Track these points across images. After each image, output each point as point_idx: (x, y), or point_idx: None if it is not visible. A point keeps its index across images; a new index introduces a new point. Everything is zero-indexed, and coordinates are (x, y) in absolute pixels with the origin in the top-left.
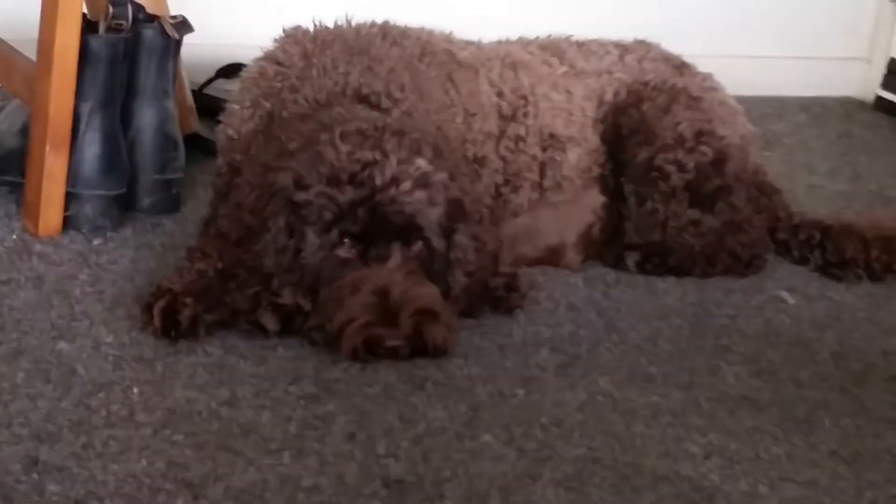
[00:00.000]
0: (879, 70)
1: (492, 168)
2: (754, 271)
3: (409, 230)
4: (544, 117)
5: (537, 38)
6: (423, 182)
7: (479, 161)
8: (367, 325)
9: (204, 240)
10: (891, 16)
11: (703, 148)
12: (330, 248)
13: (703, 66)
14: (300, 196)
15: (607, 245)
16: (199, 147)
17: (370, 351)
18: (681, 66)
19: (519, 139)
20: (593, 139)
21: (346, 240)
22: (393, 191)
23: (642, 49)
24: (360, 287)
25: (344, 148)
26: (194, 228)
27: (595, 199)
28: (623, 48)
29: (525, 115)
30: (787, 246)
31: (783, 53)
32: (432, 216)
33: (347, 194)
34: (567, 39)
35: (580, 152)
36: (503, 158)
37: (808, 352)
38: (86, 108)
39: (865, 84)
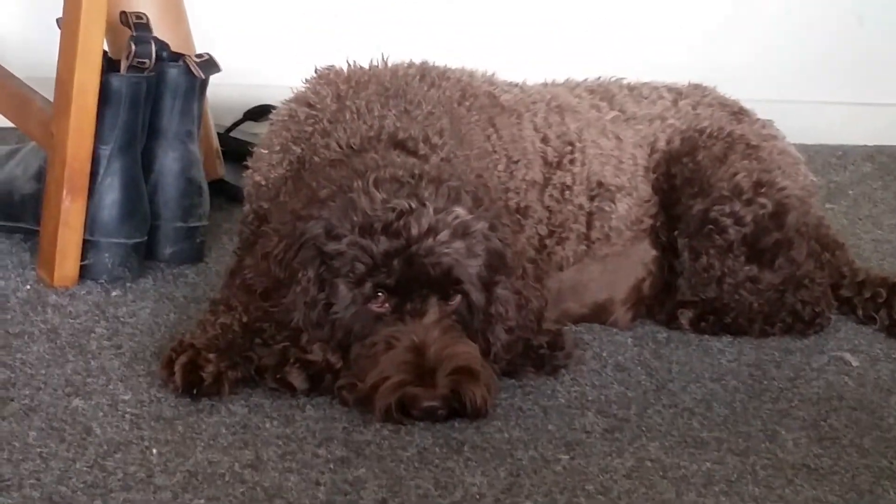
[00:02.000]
0: None
1: (535, 218)
2: (816, 331)
3: (446, 283)
4: (592, 165)
5: (585, 80)
6: (461, 232)
7: (522, 211)
8: (401, 384)
9: (229, 292)
10: None
11: (762, 200)
12: (363, 301)
13: (762, 112)
14: (331, 246)
15: (659, 301)
16: (224, 193)
17: (404, 412)
18: (738, 113)
19: (565, 188)
20: (644, 189)
21: (379, 293)
22: (430, 241)
23: (697, 94)
24: (394, 344)
25: (378, 196)
26: (218, 280)
27: (646, 252)
28: (677, 92)
29: (572, 162)
30: (851, 304)
31: (847, 99)
32: (472, 268)
33: (382, 245)
34: (617, 82)
35: (630, 203)
36: (548, 208)
37: (872, 417)
38: (105, 151)
39: None
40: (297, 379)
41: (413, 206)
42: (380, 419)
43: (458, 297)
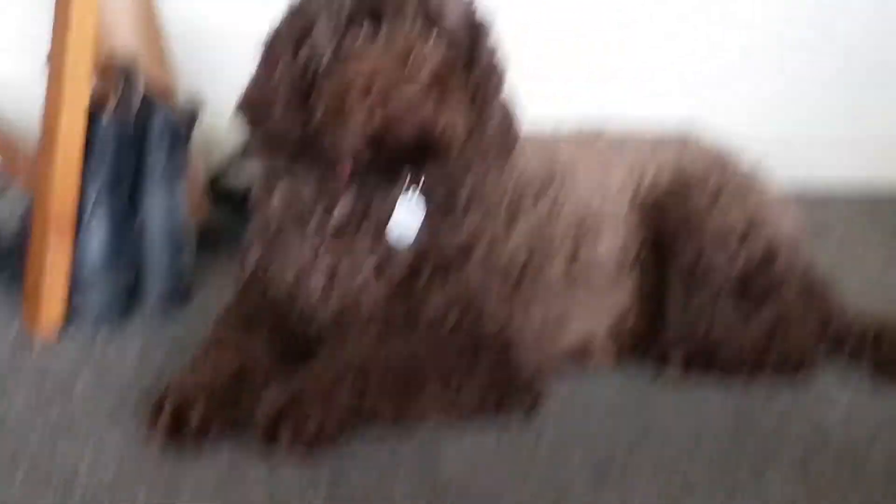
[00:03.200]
0: None
1: (526, 223)
2: (805, 372)
3: (425, 13)
4: (580, 193)
5: (575, 123)
6: None
7: (515, 206)
8: (376, 73)
9: (219, 333)
10: None
11: (752, 244)
12: (342, 31)
13: (749, 151)
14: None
15: (648, 340)
16: (211, 236)
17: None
18: (724, 157)
19: (554, 207)
20: (630, 222)
21: (358, 23)
22: None
23: (683, 139)
24: (370, 53)
25: None
26: (206, 322)
27: (629, 286)
28: (662, 137)
29: (562, 186)
30: (839, 344)
31: (835, 137)
32: (453, 14)
33: None
34: (605, 123)
35: (616, 234)
36: (536, 223)
37: (858, 458)
38: (92, 193)
39: None
40: (288, 443)
41: None
42: (356, 112)
43: (441, 46)
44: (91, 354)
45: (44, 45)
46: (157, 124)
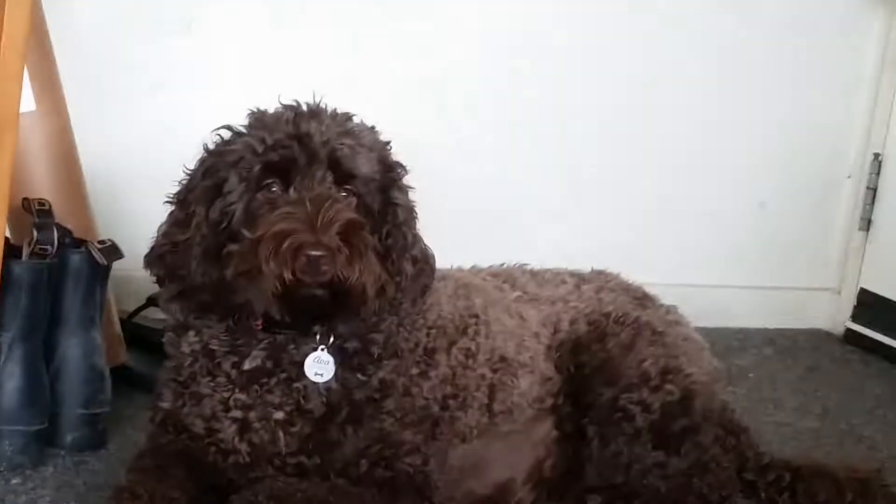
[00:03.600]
0: (849, 301)
1: (440, 372)
2: None
3: (338, 172)
4: (496, 339)
5: (490, 266)
6: (355, 133)
7: (430, 353)
8: (287, 232)
9: (134, 478)
10: (860, 245)
11: (669, 386)
12: (254, 188)
13: (665, 297)
14: (226, 148)
15: (566, 486)
16: (127, 379)
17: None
18: (642, 298)
19: (469, 354)
20: (547, 367)
21: (270, 180)
22: (322, 130)
23: (601, 279)
24: (282, 207)
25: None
26: (121, 467)
27: (547, 432)
28: (579, 278)
29: (476, 333)
30: (755, 487)
31: (748, 283)
32: (364, 166)
33: (274, 134)
34: (520, 267)
35: (532, 380)
36: (451, 369)
37: None
38: (6, 338)
39: (834, 316)
40: None
41: (312, 111)
42: (266, 272)
43: (352, 199)
44: (3, 501)
45: None
46: (74, 267)
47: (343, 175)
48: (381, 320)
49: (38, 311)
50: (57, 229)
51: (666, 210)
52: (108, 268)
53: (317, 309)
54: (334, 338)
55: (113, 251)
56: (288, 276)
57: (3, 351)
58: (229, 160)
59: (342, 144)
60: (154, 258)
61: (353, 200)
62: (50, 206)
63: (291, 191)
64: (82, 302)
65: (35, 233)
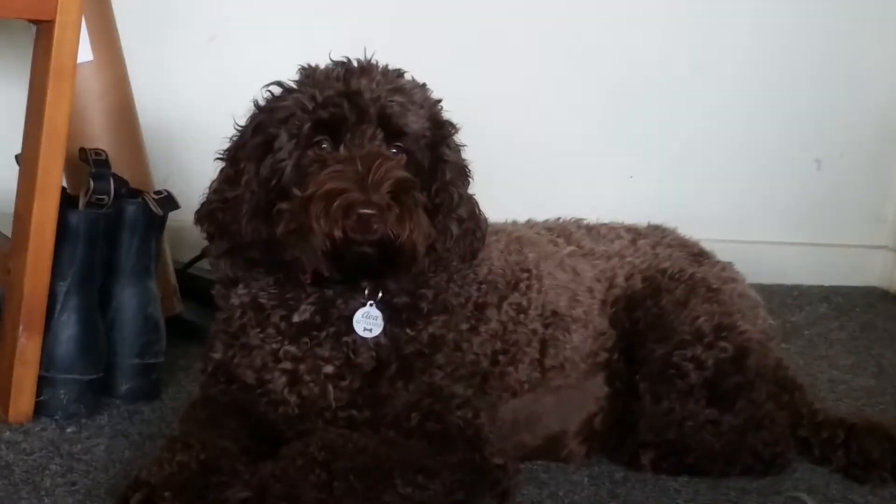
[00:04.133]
0: None
1: (491, 327)
2: (775, 471)
3: (388, 128)
4: (548, 294)
5: (545, 220)
6: (406, 90)
7: (480, 307)
8: (337, 191)
9: (186, 428)
10: None
11: (723, 343)
12: (304, 145)
13: (721, 254)
14: (277, 104)
15: (619, 440)
16: (181, 330)
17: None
18: (698, 254)
19: (520, 309)
20: (600, 322)
21: (320, 137)
22: (372, 87)
23: (657, 234)
24: (332, 164)
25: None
26: (174, 417)
27: (600, 387)
28: (636, 232)
29: (528, 287)
30: (809, 445)
31: (804, 240)
32: (414, 124)
33: (324, 91)
34: (575, 222)
35: (585, 334)
36: (502, 324)
37: None
38: (62, 287)
39: (890, 274)
40: None
41: (363, 68)
42: (317, 230)
43: (403, 157)
44: (59, 449)
45: (17, 140)
46: (130, 217)
47: (393, 132)
48: (431, 276)
49: (94, 261)
50: (113, 179)
51: (722, 166)
52: (163, 218)
53: (366, 266)
54: (383, 293)
55: (169, 202)
56: (338, 234)
57: (59, 300)
58: (279, 117)
59: (392, 101)
60: (204, 214)
61: (404, 158)
62: (107, 156)
63: (342, 148)
64: (138, 252)
65: (92, 183)
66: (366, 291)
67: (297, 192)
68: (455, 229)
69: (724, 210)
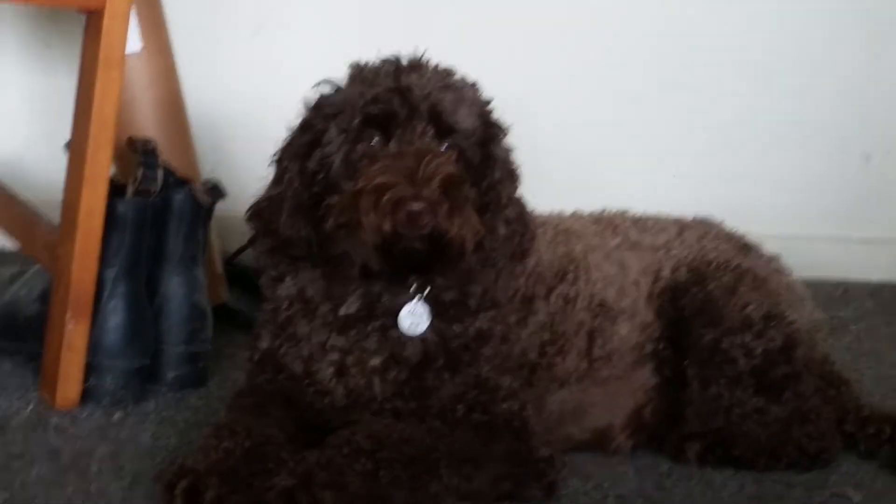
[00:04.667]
0: None
1: (538, 319)
2: (820, 465)
3: (438, 124)
4: (595, 285)
5: (592, 212)
6: (457, 87)
7: (528, 300)
8: (386, 186)
9: (232, 415)
10: None
11: (772, 332)
12: (353, 139)
13: (767, 248)
14: (326, 101)
15: (660, 431)
16: (227, 319)
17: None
18: (744, 247)
19: (567, 300)
20: (647, 314)
21: (369, 131)
22: (422, 83)
23: (703, 227)
24: (381, 159)
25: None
26: (220, 405)
27: (647, 378)
28: (682, 225)
29: (575, 279)
30: (854, 440)
31: (851, 236)
32: (464, 122)
33: (374, 88)
34: (622, 214)
35: (632, 326)
36: (550, 315)
37: None
38: (110, 274)
39: None
40: None
41: (413, 65)
42: (366, 225)
43: (453, 153)
44: (106, 435)
45: (66, 128)
46: (177, 206)
47: (444, 129)
48: (479, 272)
49: (142, 249)
50: (161, 168)
51: (768, 160)
52: (210, 207)
53: (415, 261)
54: (430, 289)
55: (216, 191)
56: (388, 228)
57: (106, 287)
58: (328, 113)
59: (443, 98)
60: (253, 213)
61: (454, 154)
62: (155, 145)
63: (392, 144)
64: (185, 240)
65: (140, 171)
66: (413, 287)
67: (345, 186)
68: (502, 229)
69: (770, 204)
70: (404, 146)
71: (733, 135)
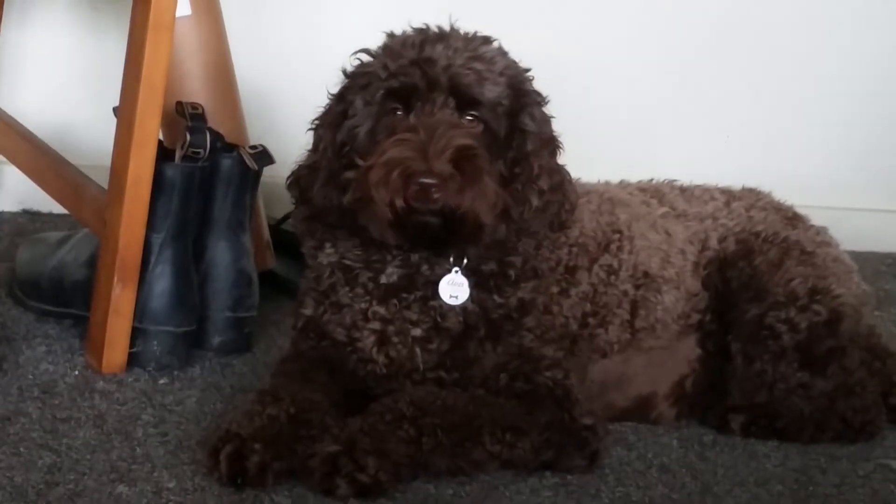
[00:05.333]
0: None
1: (581, 290)
2: (865, 438)
3: (461, 98)
4: (639, 255)
5: (639, 181)
6: (485, 58)
7: (571, 270)
8: (398, 160)
9: (277, 381)
10: None
11: (817, 307)
12: (378, 113)
13: (815, 219)
14: (357, 71)
15: (702, 402)
16: (273, 285)
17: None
18: (793, 218)
19: (611, 271)
20: (693, 284)
21: (393, 105)
22: (448, 54)
23: (751, 197)
24: (398, 133)
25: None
26: (266, 371)
27: (691, 349)
28: (730, 194)
29: (619, 249)
30: None
31: None
32: (490, 92)
33: (399, 59)
34: (669, 183)
35: (677, 296)
36: (592, 286)
37: None
38: (157, 239)
39: None
40: (344, 492)
41: (441, 35)
42: (377, 199)
43: (478, 126)
44: (151, 399)
45: (115, 93)
46: (225, 171)
47: (466, 101)
48: (518, 244)
49: (189, 214)
50: (209, 133)
51: (819, 131)
52: (258, 173)
53: (431, 236)
54: (468, 260)
55: (264, 157)
56: (400, 203)
57: (153, 252)
58: (359, 84)
59: (469, 70)
60: (292, 181)
61: (479, 127)
62: (203, 110)
63: (411, 117)
64: (232, 206)
65: (188, 136)
66: (451, 258)
67: (359, 161)
68: (535, 200)
69: (819, 175)
70: (424, 119)
71: (782, 105)
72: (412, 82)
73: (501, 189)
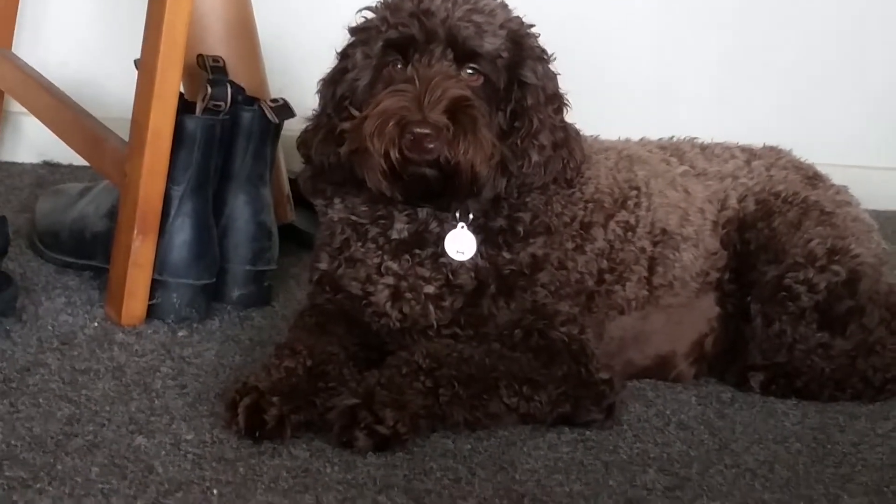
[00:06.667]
0: None
1: (597, 246)
2: (885, 397)
3: (459, 50)
4: (657, 212)
5: (659, 139)
6: (484, 10)
7: (586, 227)
8: (392, 111)
9: (294, 335)
10: None
11: (836, 267)
12: (376, 65)
13: (836, 178)
14: (359, 26)
15: (728, 362)
16: (293, 238)
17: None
18: (813, 177)
19: (628, 227)
20: (712, 242)
21: (392, 58)
22: (447, 6)
23: (772, 155)
24: (394, 84)
25: None
26: (284, 324)
27: (710, 307)
28: (750, 153)
29: (636, 205)
30: None
31: None
32: (489, 44)
33: (399, 12)
34: (689, 141)
35: (696, 254)
36: (609, 242)
37: None
38: (177, 191)
39: None
40: (363, 445)
41: None
42: (371, 150)
43: (478, 78)
44: (170, 352)
45: (136, 45)
46: (245, 124)
47: (464, 53)
48: (525, 199)
49: (209, 167)
50: (230, 86)
51: (838, 89)
52: (279, 126)
53: (427, 188)
54: (474, 216)
55: (284, 110)
56: (395, 154)
57: (173, 205)
58: (360, 38)
59: (468, 22)
60: (301, 140)
61: (479, 79)
62: (224, 63)
63: (409, 69)
64: (253, 159)
65: (209, 89)
66: (457, 214)
67: (355, 112)
68: (535, 155)
69: (840, 133)
70: (421, 70)
71: (802, 63)
72: (410, 34)
73: (500, 142)
